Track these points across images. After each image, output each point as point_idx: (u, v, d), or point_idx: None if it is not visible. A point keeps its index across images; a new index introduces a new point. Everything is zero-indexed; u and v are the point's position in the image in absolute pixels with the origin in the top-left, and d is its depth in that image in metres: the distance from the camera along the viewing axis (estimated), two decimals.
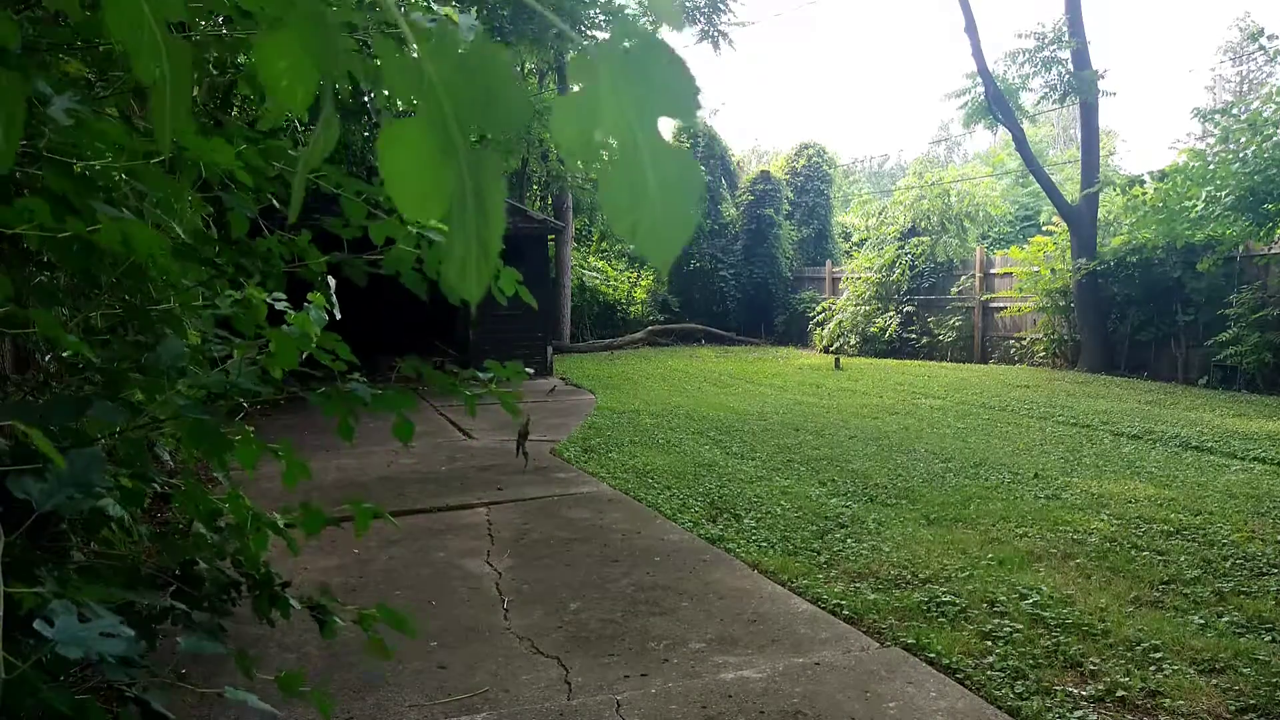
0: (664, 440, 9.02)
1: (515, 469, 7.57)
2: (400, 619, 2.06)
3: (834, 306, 21.95)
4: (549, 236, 16.14)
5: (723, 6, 20.05)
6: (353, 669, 3.67)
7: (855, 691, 3.47)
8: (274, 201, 2.25)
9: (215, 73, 2.65)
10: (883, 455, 8.18)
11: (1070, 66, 16.88)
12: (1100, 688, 3.54)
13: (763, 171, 25.56)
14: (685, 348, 22.03)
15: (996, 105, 17.20)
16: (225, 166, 1.80)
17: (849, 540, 5.53)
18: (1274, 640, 4.00)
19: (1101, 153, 20.68)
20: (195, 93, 2.92)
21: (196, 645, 1.76)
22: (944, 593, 4.56)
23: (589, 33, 17.20)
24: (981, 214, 21.50)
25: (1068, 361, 16.73)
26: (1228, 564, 5.03)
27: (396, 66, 0.66)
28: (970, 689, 3.53)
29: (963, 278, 19.21)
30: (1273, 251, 13.20)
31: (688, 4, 19.47)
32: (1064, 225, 16.98)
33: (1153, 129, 77.50)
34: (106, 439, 1.88)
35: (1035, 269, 17.12)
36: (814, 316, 22.65)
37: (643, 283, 25.85)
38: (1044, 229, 20.02)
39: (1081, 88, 16.40)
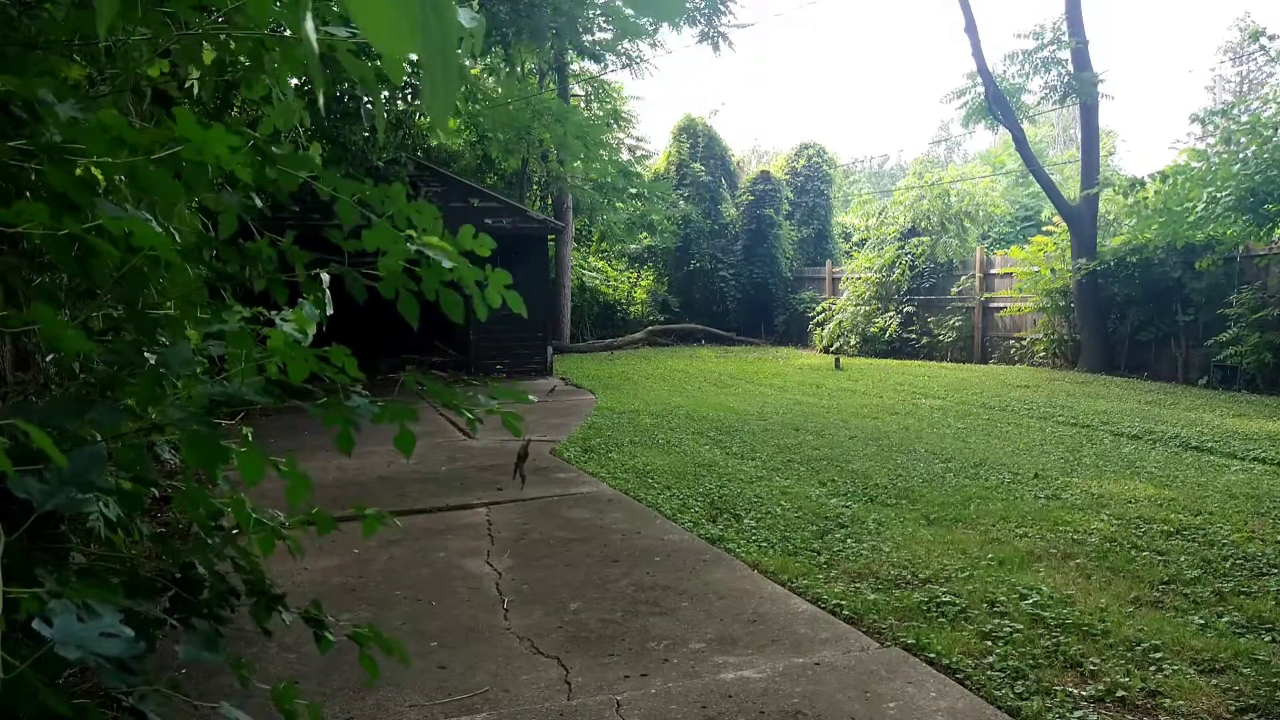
0: (664, 440, 9.02)
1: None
2: (390, 644, 2.05)
3: (834, 306, 21.96)
4: (549, 236, 16.14)
5: (723, 7, 20.03)
6: (353, 669, 3.67)
7: (855, 691, 3.47)
8: (265, 210, 2.25)
9: (216, 71, 2.65)
10: (883, 455, 8.18)
11: (1070, 67, 16.88)
12: (1100, 688, 3.54)
13: (763, 171, 25.57)
14: (685, 348, 22.03)
15: (996, 105, 17.20)
16: (225, 161, 1.79)
17: (849, 540, 5.52)
18: (1274, 640, 4.00)
19: (1101, 152, 20.67)
20: (196, 90, 2.92)
21: (195, 655, 1.75)
22: (944, 593, 4.56)
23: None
24: (981, 214, 21.51)
25: (1068, 361, 16.74)
26: (1228, 564, 5.03)
27: None
28: (970, 689, 3.52)
29: (963, 278, 19.21)
30: (1273, 251, 13.20)
31: (688, 4, 19.46)
32: (1064, 225, 16.99)
33: (1153, 129, 77.50)
34: (108, 441, 1.88)
35: (1035, 269, 17.12)
36: (814, 316, 22.66)
37: (643, 283, 25.87)
38: (1044, 229, 20.01)
39: (1081, 89, 16.40)
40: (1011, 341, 18.09)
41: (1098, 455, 8.24)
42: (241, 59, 2.43)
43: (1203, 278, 13.86)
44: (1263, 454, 8.12)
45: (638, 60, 20.51)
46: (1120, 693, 3.49)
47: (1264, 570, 4.93)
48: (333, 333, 2.19)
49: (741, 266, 24.46)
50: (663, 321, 24.00)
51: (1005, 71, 17.67)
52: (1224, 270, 13.65)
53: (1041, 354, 17.23)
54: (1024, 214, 28.02)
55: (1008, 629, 4.10)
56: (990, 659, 3.80)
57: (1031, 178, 20.20)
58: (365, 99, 10.58)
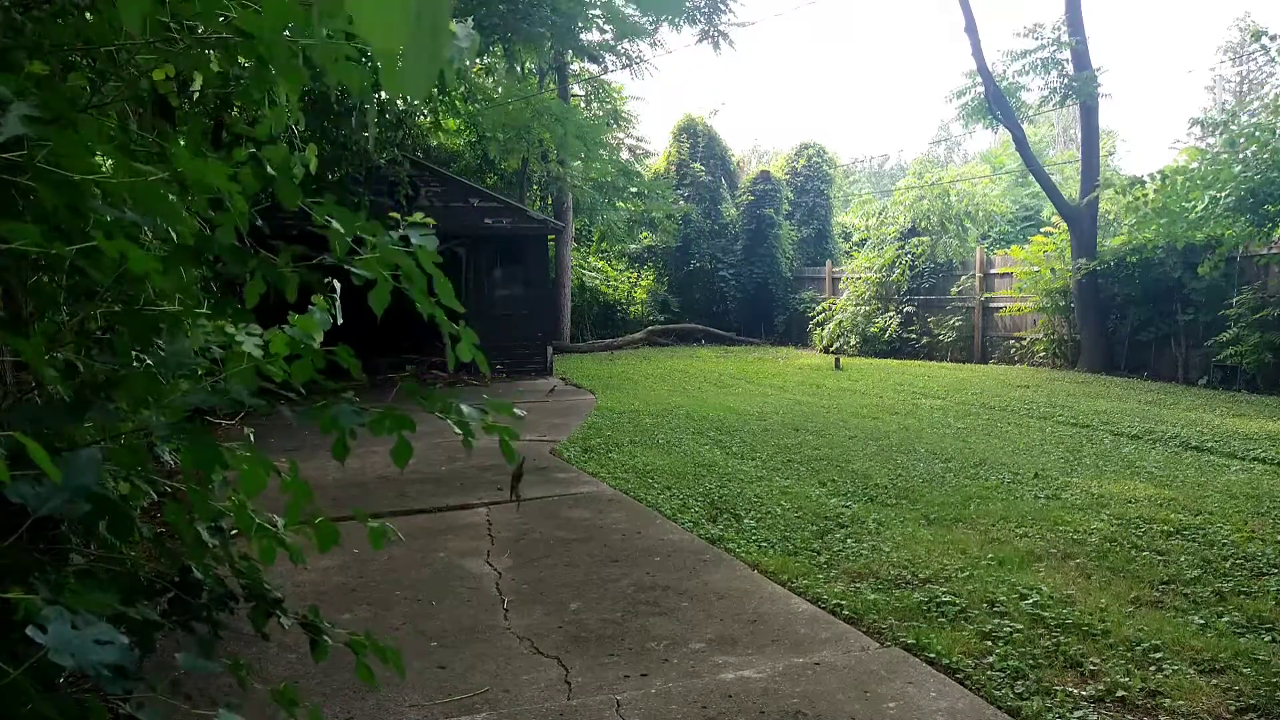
0: (664, 440, 9.02)
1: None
2: (386, 652, 2.04)
3: (834, 306, 21.96)
4: (549, 236, 16.14)
5: (723, 6, 20.05)
6: (353, 669, 3.66)
7: (855, 691, 3.47)
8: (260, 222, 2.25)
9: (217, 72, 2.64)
10: (883, 455, 8.18)
11: (1070, 68, 16.87)
12: (1100, 688, 3.54)
13: (763, 171, 25.56)
14: (685, 348, 22.03)
15: (996, 105, 17.19)
16: (223, 189, 1.80)
17: (849, 540, 5.52)
18: (1274, 640, 4.00)
19: (1101, 152, 20.66)
20: (198, 96, 2.91)
21: (194, 664, 1.75)
22: (944, 593, 4.56)
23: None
24: (981, 214, 21.51)
25: (1068, 361, 16.73)
26: (1228, 564, 5.03)
27: None
28: (970, 689, 3.52)
29: (963, 278, 19.21)
30: (1273, 252, 13.20)
31: (688, 4, 19.46)
32: (1064, 225, 16.98)
33: (1153, 129, 77.41)
34: (106, 442, 1.88)
35: (1035, 269, 17.11)
36: (814, 316, 22.66)
37: (643, 283, 25.86)
38: (1044, 229, 20.00)
39: (1081, 89, 16.39)
40: (1011, 341, 18.09)
41: (1098, 455, 8.24)
42: (243, 61, 2.43)
43: (1203, 278, 13.86)
44: (1263, 454, 8.12)
45: (637, 60, 20.50)
46: (1120, 693, 3.49)
47: (1264, 570, 4.93)
48: (333, 330, 2.19)
49: (741, 266, 24.46)
50: (663, 321, 24.00)
51: (1005, 71, 17.67)
52: (1224, 270, 13.64)
53: (1041, 354, 17.22)
54: (1024, 214, 28.02)
55: (1008, 629, 4.10)
56: (990, 659, 3.80)
57: (1031, 178, 20.20)
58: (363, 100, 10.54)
